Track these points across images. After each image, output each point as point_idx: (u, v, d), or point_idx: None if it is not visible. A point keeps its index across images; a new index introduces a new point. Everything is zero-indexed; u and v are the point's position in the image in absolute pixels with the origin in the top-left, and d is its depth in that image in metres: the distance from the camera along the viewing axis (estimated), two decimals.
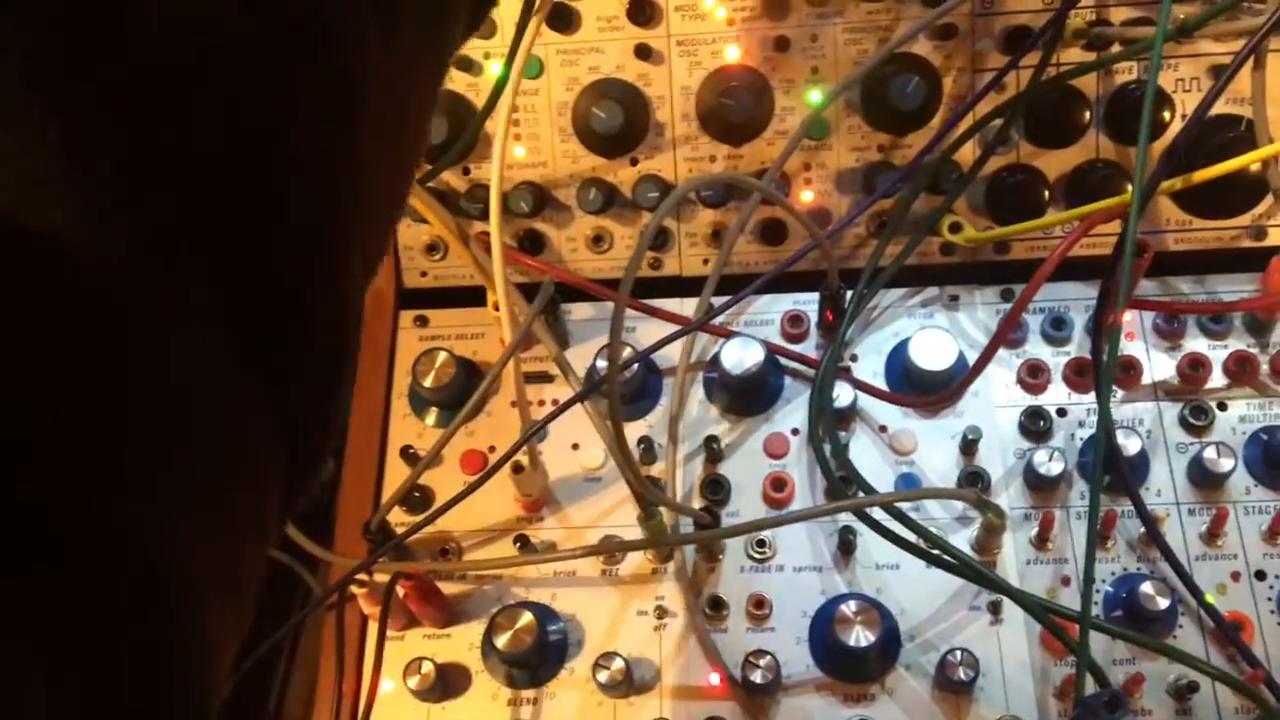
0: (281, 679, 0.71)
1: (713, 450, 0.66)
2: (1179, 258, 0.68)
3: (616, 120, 0.68)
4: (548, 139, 0.71)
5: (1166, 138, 0.66)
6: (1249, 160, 0.59)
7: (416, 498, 0.67)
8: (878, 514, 0.59)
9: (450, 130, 0.69)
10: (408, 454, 0.67)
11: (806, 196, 0.70)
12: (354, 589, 0.59)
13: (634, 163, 0.71)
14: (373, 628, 0.63)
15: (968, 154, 0.68)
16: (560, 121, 0.70)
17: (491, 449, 0.68)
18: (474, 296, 0.71)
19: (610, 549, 0.63)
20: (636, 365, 0.66)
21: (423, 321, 0.72)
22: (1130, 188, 0.61)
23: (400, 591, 0.60)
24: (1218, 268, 0.68)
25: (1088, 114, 0.67)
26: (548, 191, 0.71)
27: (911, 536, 0.58)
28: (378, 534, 0.62)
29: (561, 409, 0.60)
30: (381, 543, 0.62)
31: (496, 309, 0.65)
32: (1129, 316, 0.66)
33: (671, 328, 0.66)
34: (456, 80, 0.70)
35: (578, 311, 0.71)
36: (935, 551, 0.57)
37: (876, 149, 0.69)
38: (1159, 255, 0.65)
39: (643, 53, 0.69)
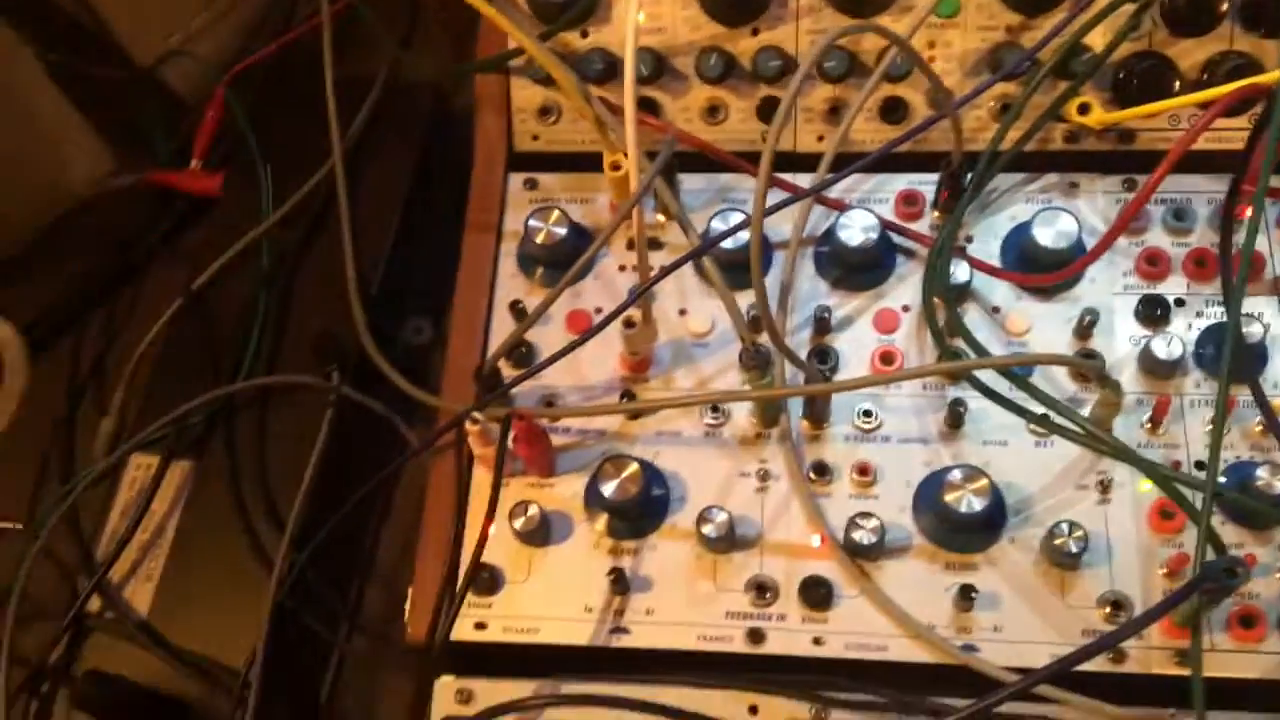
0: (377, 528, 0.72)
1: (822, 321, 0.65)
2: None
3: None
4: (669, 3, 0.70)
5: None
6: None
7: (523, 354, 0.67)
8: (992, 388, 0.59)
9: None
10: (516, 309, 0.67)
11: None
12: (467, 427, 0.60)
13: (755, 33, 0.70)
14: (477, 474, 0.64)
15: (1098, 39, 0.67)
16: None
17: (598, 310, 0.68)
18: (584, 162, 0.71)
19: (721, 398, 0.63)
20: (749, 233, 0.66)
21: (532, 184, 0.72)
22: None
23: (510, 435, 0.61)
24: None
25: (1225, 2, 0.65)
26: (665, 58, 0.71)
27: (1028, 405, 0.58)
28: (490, 378, 0.62)
29: (681, 261, 0.60)
30: (493, 387, 0.62)
31: (615, 168, 0.65)
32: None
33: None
34: None
35: (689, 182, 0.71)
36: (1055, 418, 0.57)
37: (1004, 30, 0.68)
38: None
39: None
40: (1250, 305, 0.64)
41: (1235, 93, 0.58)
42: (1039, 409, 0.58)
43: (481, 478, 0.63)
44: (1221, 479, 0.60)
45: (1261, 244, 0.65)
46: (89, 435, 0.74)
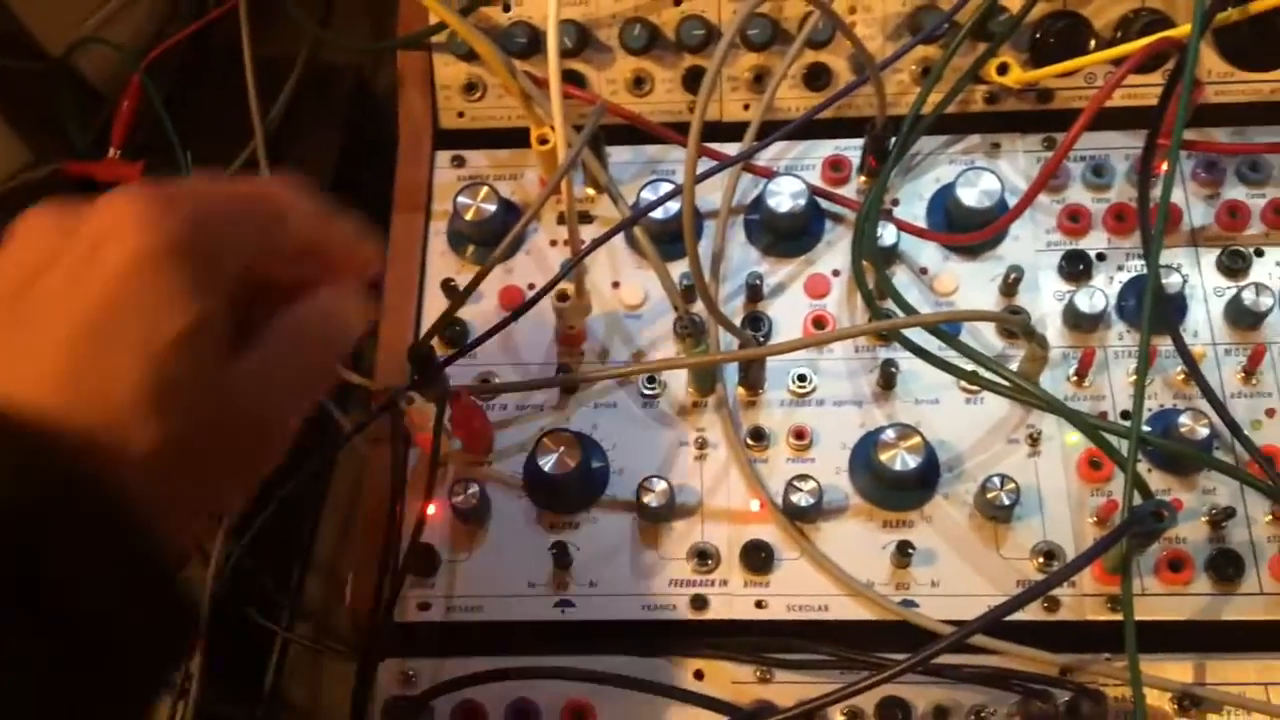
0: (315, 513, 0.72)
1: (754, 289, 0.66)
2: (1220, 109, 0.68)
3: None
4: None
5: None
6: None
7: (457, 332, 0.66)
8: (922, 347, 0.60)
9: None
10: (448, 287, 0.67)
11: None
12: (404, 406, 0.59)
13: (677, 3, 0.70)
14: (413, 454, 0.63)
15: (1014, 1, 0.68)
16: None
17: (531, 286, 0.68)
18: (511, 138, 0.71)
19: (656, 367, 0.63)
20: (679, 203, 0.66)
21: (459, 162, 0.72)
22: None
23: (446, 414, 0.60)
24: (1257, 121, 0.68)
25: None
26: (589, 30, 0.70)
27: (958, 362, 0.58)
28: (423, 358, 0.61)
29: (613, 231, 0.60)
30: (425, 368, 0.61)
31: (543, 142, 0.64)
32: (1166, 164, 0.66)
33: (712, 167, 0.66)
34: None
35: (617, 155, 0.71)
36: (983, 373, 0.57)
37: None
38: (1199, 108, 0.65)
39: None
40: (1169, 256, 0.65)
41: (1146, 48, 0.59)
42: (968, 366, 0.58)
43: (419, 458, 0.63)
44: (1146, 427, 0.61)
45: (1179, 196, 0.66)
46: None
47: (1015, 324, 0.59)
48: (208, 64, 0.83)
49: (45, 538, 0.31)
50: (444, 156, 0.72)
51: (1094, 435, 0.54)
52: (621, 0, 0.70)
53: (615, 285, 0.68)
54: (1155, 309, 0.59)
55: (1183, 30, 0.59)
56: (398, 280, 0.68)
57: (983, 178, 0.64)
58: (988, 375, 0.57)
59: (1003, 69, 0.67)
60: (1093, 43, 0.67)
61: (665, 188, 0.65)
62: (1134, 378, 0.60)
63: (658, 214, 0.65)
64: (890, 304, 0.63)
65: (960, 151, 0.69)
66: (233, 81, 0.75)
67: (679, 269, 0.66)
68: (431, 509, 0.61)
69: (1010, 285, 0.64)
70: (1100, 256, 0.66)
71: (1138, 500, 0.53)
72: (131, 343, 0.35)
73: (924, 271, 0.66)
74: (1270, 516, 0.59)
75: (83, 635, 0.32)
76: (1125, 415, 0.61)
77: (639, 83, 0.71)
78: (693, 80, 0.71)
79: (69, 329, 0.35)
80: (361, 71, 0.82)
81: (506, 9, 0.71)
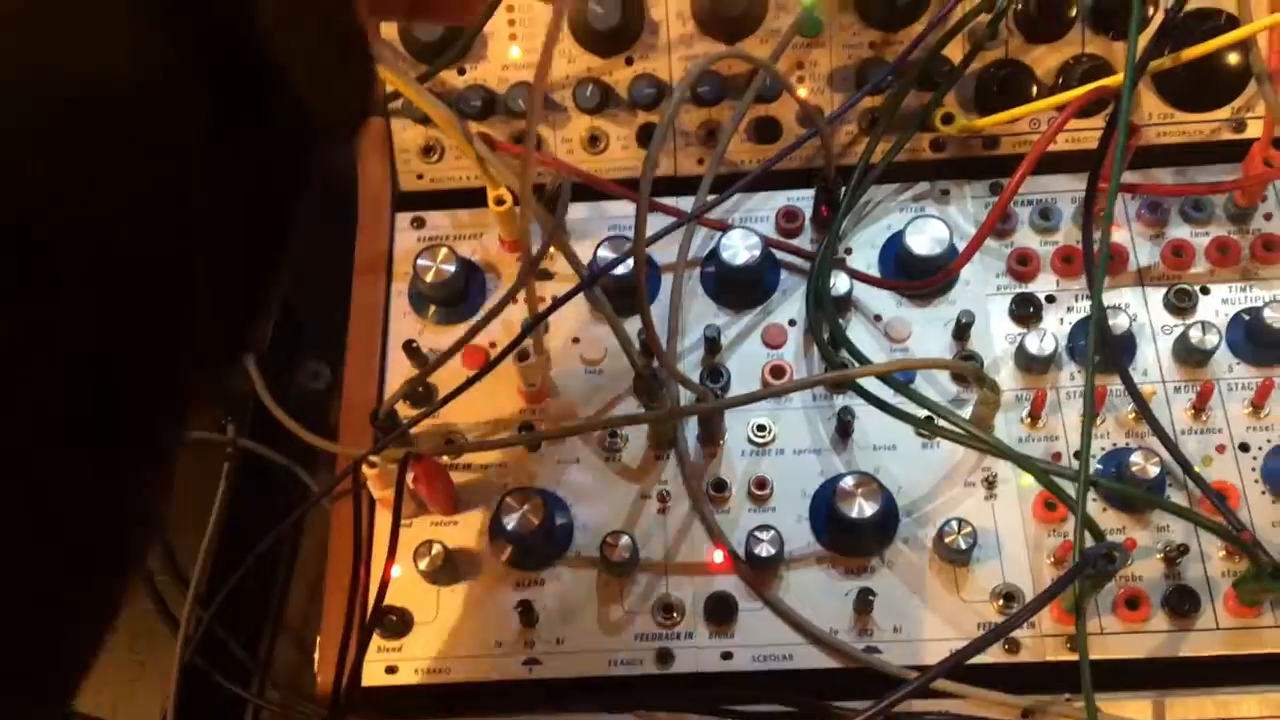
0: (284, 576, 0.72)
1: (712, 341, 0.67)
2: (1161, 151, 0.70)
3: (613, 18, 0.68)
4: (542, 38, 0.71)
5: (1151, 30, 0.67)
6: (1238, 36, 0.61)
7: (420, 393, 0.67)
8: (877, 395, 0.61)
9: (446, 29, 0.69)
10: (410, 349, 0.67)
11: (801, 94, 0.71)
12: (366, 471, 0.60)
13: (629, 62, 0.71)
14: (380, 516, 0.64)
15: (958, 50, 0.69)
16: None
17: (492, 344, 0.68)
18: (470, 198, 0.72)
19: (616, 423, 0.64)
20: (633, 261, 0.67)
21: (419, 223, 0.73)
22: (1116, 76, 0.63)
23: (410, 476, 0.61)
24: (1198, 161, 0.70)
25: (1074, 8, 0.68)
26: (545, 92, 0.72)
27: (912, 410, 0.59)
28: (386, 421, 0.62)
29: (571, 293, 0.61)
30: (389, 429, 0.62)
31: (500, 203, 0.65)
32: (1115, 207, 0.68)
33: (668, 223, 0.67)
34: None
35: (574, 211, 0.72)
36: (936, 420, 0.58)
37: (869, 46, 0.70)
38: (1141, 149, 0.67)
39: None
40: (1117, 297, 0.67)
41: (1083, 98, 0.61)
42: (922, 413, 0.59)
43: (384, 520, 0.63)
44: (1099, 466, 0.62)
45: (1124, 237, 0.68)
46: None
47: (966, 371, 0.60)
48: None
49: None
50: (404, 218, 0.73)
51: (1044, 479, 0.55)
52: (575, 61, 0.71)
53: (575, 340, 0.68)
54: (1102, 350, 0.61)
55: (1116, 80, 0.61)
56: (360, 342, 0.69)
57: (931, 225, 0.66)
58: (940, 422, 0.58)
59: (947, 119, 0.68)
60: (1035, 89, 0.69)
61: (624, 244, 0.67)
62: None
63: (616, 270, 0.66)
64: (846, 353, 0.64)
65: (910, 198, 0.71)
66: None
67: (637, 323, 0.67)
68: (396, 571, 0.61)
69: (963, 330, 0.65)
70: (1049, 299, 0.67)
71: (1091, 542, 0.54)
72: None
73: (878, 318, 0.67)
74: (1224, 552, 0.60)
75: None
76: (1079, 455, 0.62)
77: (594, 140, 0.72)
78: (646, 137, 0.72)
79: None
80: None
81: (462, 72, 0.72)
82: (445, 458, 0.64)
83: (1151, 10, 0.68)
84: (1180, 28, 0.65)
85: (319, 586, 0.65)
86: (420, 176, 0.74)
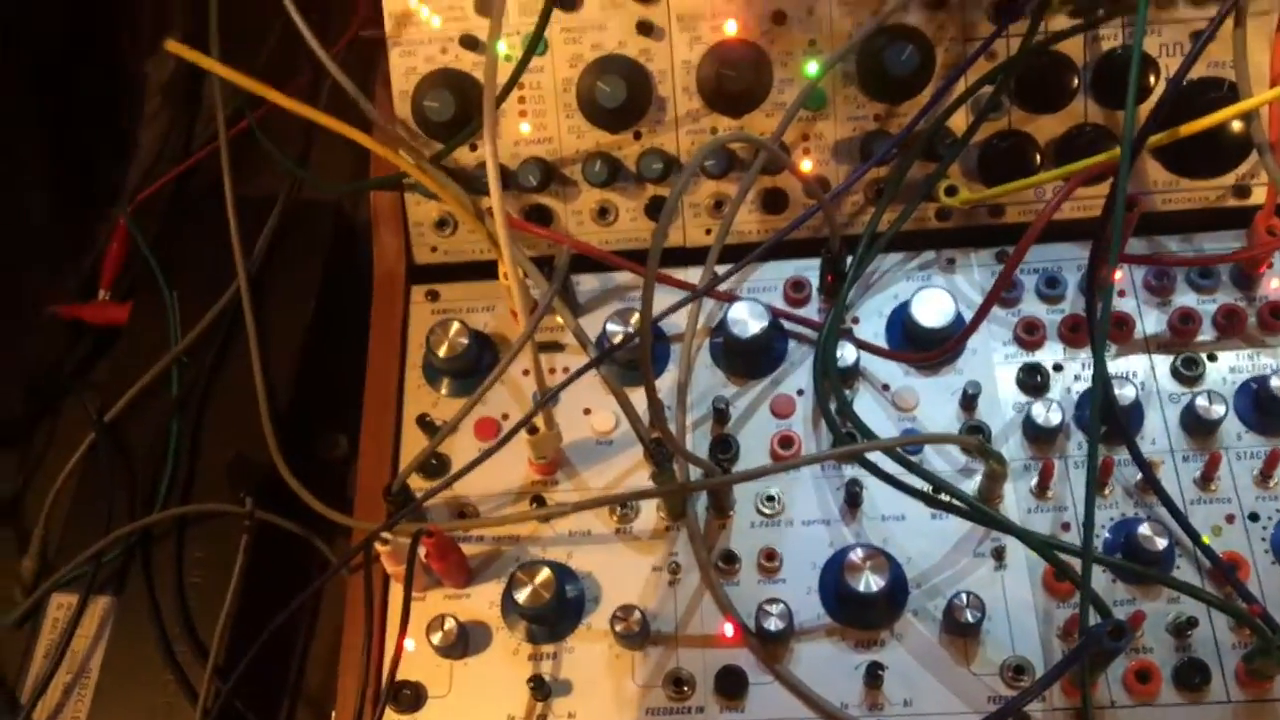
0: (302, 647, 0.73)
1: (721, 412, 0.67)
2: (1167, 218, 0.70)
3: (620, 95, 0.70)
4: (553, 115, 0.73)
5: (1152, 101, 0.68)
6: (1234, 112, 0.61)
7: (433, 465, 0.68)
8: (884, 466, 0.61)
9: (459, 109, 0.70)
10: (424, 422, 0.69)
11: (805, 166, 0.72)
12: (378, 548, 0.61)
13: (637, 136, 0.73)
14: (395, 589, 0.65)
15: (961, 121, 0.70)
16: (565, 98, 0.72)
17: (505, 416, 0.70)
18: (483, 270, 0.73)
19: (625, 498, 0.64)
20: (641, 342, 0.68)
21: (434, 296, 0.74)
22: (1118, 147, 0.64)
23: (422, 551, 0.62)
24: (1204, 227, 0.70)
25: (1075, 79, 0.69)
26: (554, 166, 0.73)
27: (918, 484, 0.60)
28: (399, 496, 0.63)
29: (578, 374, 0.62)
30: (402, 505, 0.63)
31: (505, 278, 0.67)
32: (1120, 274, 0.68)
33: (678, 295, 0.68)
34: (463, 59, 0.72)
35: (585, 283, 0.73)
36: (942, 495, 0.59)
37: (873, 118, 0.71)
38: (1147, 216, 0.67)
39: (644, 29, 0.71)
40: (1125, 364, 0.67)
41: (1084, 172, 0.62)
42: (929, 486, 0.60)
43: (398, 594, 0.64)
44: (1108, 536, 0.62)
45: (1131, 305, 0.68)
46: (10, 577, 0.74)
47: (971, 446, 0.60)
48: (192, 204, 0.86)
49: None
50: (419, 291, 0.74)
51: (1048, 555, 0.56)
52: (584, 137, 0.73)
53: (586, 412, 0.69)
54: (1108, 421, 0.61)
55: (1113, 154, 0.62)
56: (375, 416, 0.70)
57: (937, 297, 0.66)
58: (944, 497, 0.58)
59: (951, 190, 0.69)
60: (1038, 159, 0.70)
61: (633, 316, 0.67)
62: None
63: (622, 335, 0.67)
64: (852, 425, 0.64)
65: (917, 268, 0.71)
66: (216, 221, 0.78)
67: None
68: (410, 645, 0.62)
69: (970, 400, 0.66)
70: (1057, 367, 0.67)
71: (1097, 618, 0.54)
72: None
73: (886, 388, 0.68)
74: (1234, 623, 0.60)
75: None
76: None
77: (603, 213, 0.73)
78: (655, 209, 0.73)
79: None
80: (341, 206, 0.85)
81: (474, 148, 0.73)
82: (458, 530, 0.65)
83: (1153, 79, 0.69)
84: (1182, 97, 0.66)
85: (337, 657, 0.66)
86: (434, 249, 0.75)
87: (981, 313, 0.64)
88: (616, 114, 0.71)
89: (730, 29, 0.71)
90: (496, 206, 0.62)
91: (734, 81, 0.70)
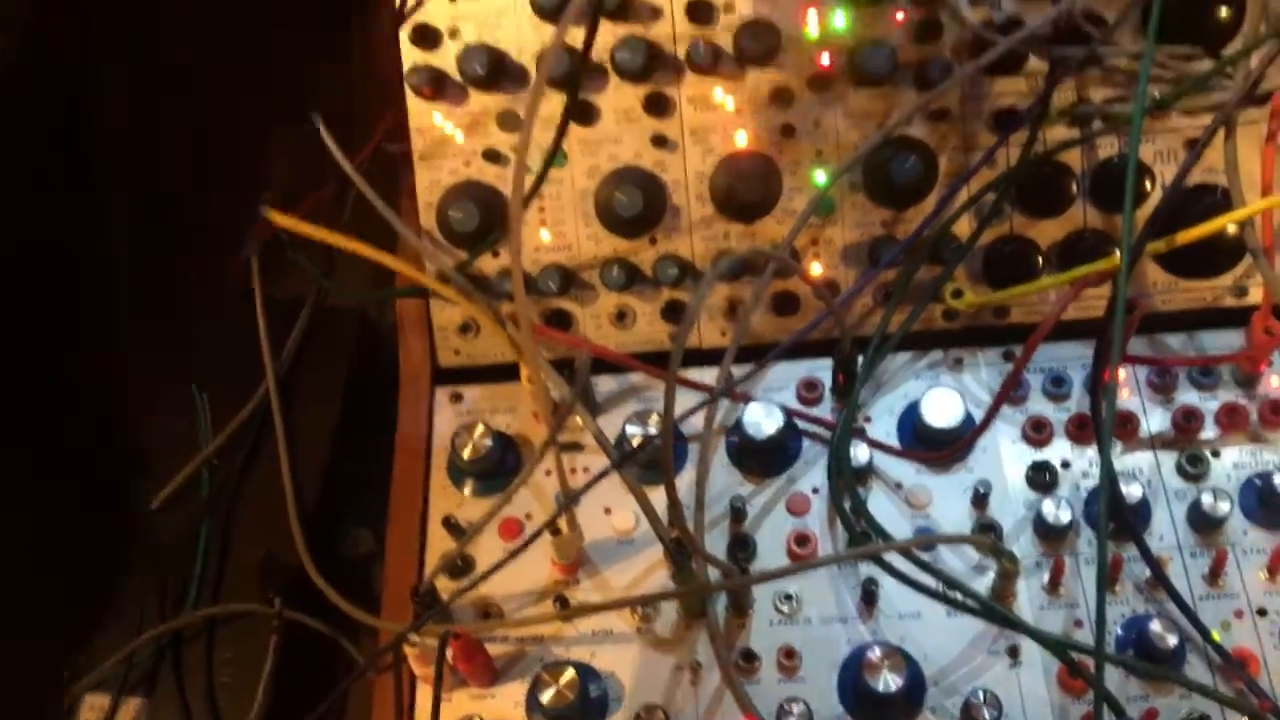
0: None
1: (738, 511, 0.69)
2: (1167, 317, 0.73)
3: (637, 205, 0.73)
4: (572, 223, 0.76)
5: (1149, 206, 0.71)
6: (1227, 221, 0.64)
7: (458, 565, 0.70)
8: (899, 565, 0.63)
9: (482, 219, 0.73)
10: (449, 524, 0.70)
11: (815, 270, 0.75)
12: (406, 649, 0.62)
13: (653, 242, 0.75)
14: (422, 689, 0.66)
15: (964, 226, 0.73)
16: (583, 206, 0.75)
17: (528, 516, 0.71)
18: (505, 373, 0.76)
19: (646, 600, 0.66)
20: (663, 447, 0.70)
21: (457, 398, 0.76)
22: (1118, 251, 0.66)
23: (449, 652, 0.63)
24: (1204, 325, 0.72)
25: (1074, 185, 0.72)
26: (573, 272, 0.76)
27: (931, 583, 0.61)
28: (426, 598, 0.65)
29: (599, 477, 0.64)
30: (429, 606, 0.65)
31: (533, 381, 0.69)
32: (1124, 373, 0.71)
33: (693, 394, 0.70)
34: (485, 172, 0.75)
35: (603, 384, 0.75)
36: (955, 595, 0.60)
37: (879, 224, 0.74)
38: (1148, 315, 0.70)
39: (659, 141, 0.74)
40: (1131, 461, 0.69)
41: (1084, 280, 0.64)
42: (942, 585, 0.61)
43: (425, 695, 0.66)
44: (1119, 633, 0.64)
45: (1135, 404, 0.70)
46: None
47: (984, 545, 0.62)
48: (222, 306, 0.89)
49: None
50: (443, 393, 0.77)
51: (1062, 655, 0.57)
52: (602, 244, 0.76)
53: (607, 511, 0.71)
54: (1117, 519, 0.62)
55: (1112, 262, 0.64)
56: (401, 518, 0.72)
57: (946, 398, 0.68)
58: (957, 596, 0.60)
59: (957, 294, 0.72)
60: (1040, 261, 0.72)
61: (651, 417, 0.70)
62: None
63: (641, 436, 0.69)
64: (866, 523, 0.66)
65: (925, 366, 0.74)
66: (245, 324, 0.81)
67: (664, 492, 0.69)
68: None
69: (981, 498, 0.68)
70: (1065, 464, 0.69)
71: (1112, 717, 0.55)
72: None
73: (899, 486, 0.69)
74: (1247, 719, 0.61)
75: None
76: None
77: (621, 316, 0.76)
78: (671, 312, 0.76)
79: None
80: (366, 309, 0.87)
81: (495, 255, 0.76)
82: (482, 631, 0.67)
83: (1149, 185, 0.71)
84: (1178, 203, 0.68)
85: None
86: (457, 352, 0.78)
87: (991, 414, 0.66)
88: (633, 222, 0.74)
89: (741, 140, 0.74)
90: (521, 315, 0.64)
91: (745, 191, 0.73)
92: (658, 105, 0.74)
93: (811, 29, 0.73)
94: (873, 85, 0.73)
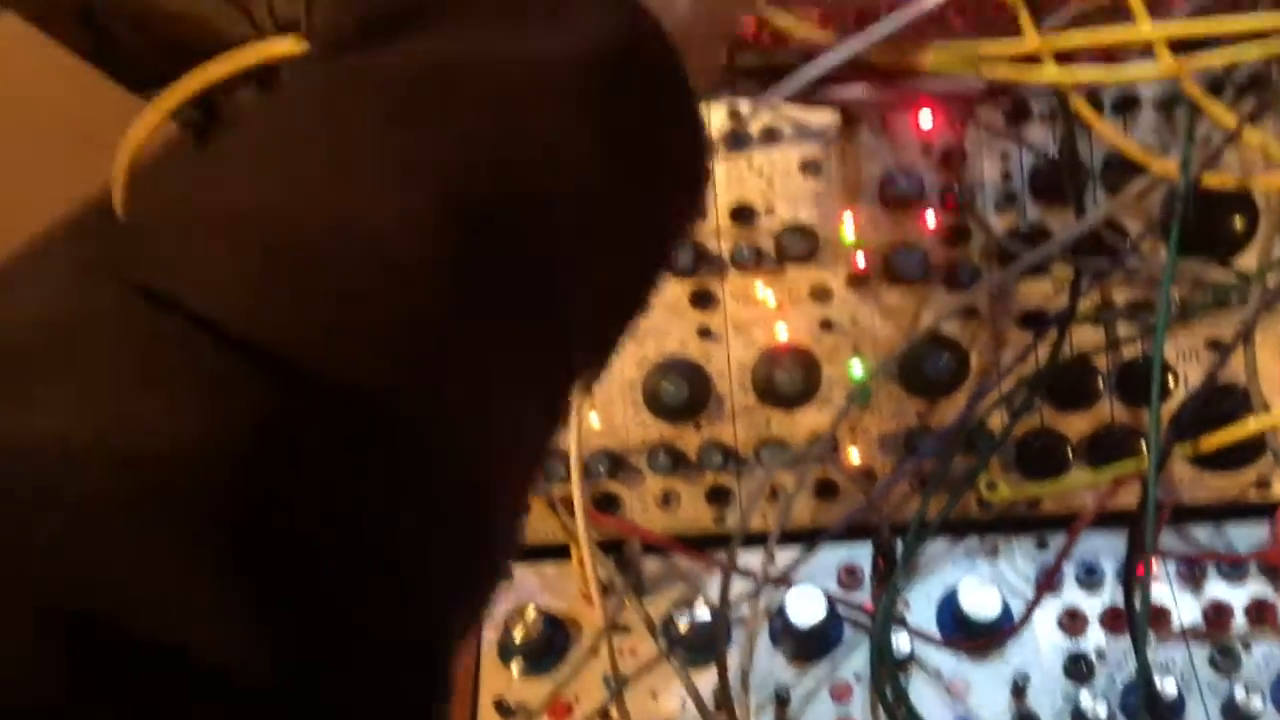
0: None
1: (782, 699, 0.71)
2: (1195, 508, 0.75)
3: (683, 394, 0.77)
4: (620, 409, 0.79)
5: (1174, 401, 0.74)
6: (1251, 431, 0.67)
7: None
8: None
9: None
10: (501, 707, 0.73)
11: (854, 457, 0.78)
12: None
13: (698, 428, 0.79)
14: None
15: (996, 418, 0.76)
16: (632, 395, 0.79)
17: (576, 699, 0.73)
18: (556, 553, 0.79)
19: None
20: (708, 617, 0.72)
21: (507, 576, 0.79)
22: (1144, 449, 0.70)
23: None
24: (1231, 516, 0.75)
25: (1101, 382, 0.75)
26: (621, 456, 0.79)
27: None
28: None
29: (649, 665, 0.66)
30: None
31: (582, 563, 0.72)
32: (1155, 565, 0.73)
33: (736, 577, 0.73)
34: None
35: (649, 565, 0.78)
36: None
37: (914, 414, 0.78)
38: (1178, 508, 0.73)
39: (704, 333, 0.79)
40: (1164, 653, 0.71)
41: (1120, 479, 0.67)
42: None
43: None
44: None
45: (1166, 597, 0.72)
46: None
47: None
48: None
49: None
50: None
51: None
52: (648, 429, 0.79)
53: (654, 696, 0.73)
54: (1153, 716, 0.64)
55: (1141, 464, 0.67)
56: (454, 699, 0.74)
57: (983, 591, 0.71)
58: None
59: (991, 486, 0.75)
60: (1070, 453, 0.75)
61: (698, 604, 0.72)
62: None
63: (688, 625, 0.71)
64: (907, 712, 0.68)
65: (962, 554, 0.76)
66: None
67: (709, 675, 0.71)
68: None
69: (1019, 688, 0.69)
70: (1100, 654, 0.71)
71: None
72: None
73: (939, 674, 0.72)
74: None
75: None
76: None
77: (667, 499, 0.79)
78: (715, 495, 0.79)
79: None
80: None
81: None
82: None
83: (1172, 382, 0.75)
84: (1203, 401, 0.72)
85: None
86: None
87: (1029, 610, 0.69)
88: (679, 410, 0.78)
89: (781, 333, 0.78)
90: (578, 503, 0.68)
91: (786, 382, 0.77)
92: (703, 299, 0.78)
93: (848, 232, 0.77)
94: (905, 285, 0.77)
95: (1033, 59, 0.61)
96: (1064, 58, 0.63)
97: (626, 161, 0.38)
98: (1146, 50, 0.61)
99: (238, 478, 0.26)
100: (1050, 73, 0.62)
